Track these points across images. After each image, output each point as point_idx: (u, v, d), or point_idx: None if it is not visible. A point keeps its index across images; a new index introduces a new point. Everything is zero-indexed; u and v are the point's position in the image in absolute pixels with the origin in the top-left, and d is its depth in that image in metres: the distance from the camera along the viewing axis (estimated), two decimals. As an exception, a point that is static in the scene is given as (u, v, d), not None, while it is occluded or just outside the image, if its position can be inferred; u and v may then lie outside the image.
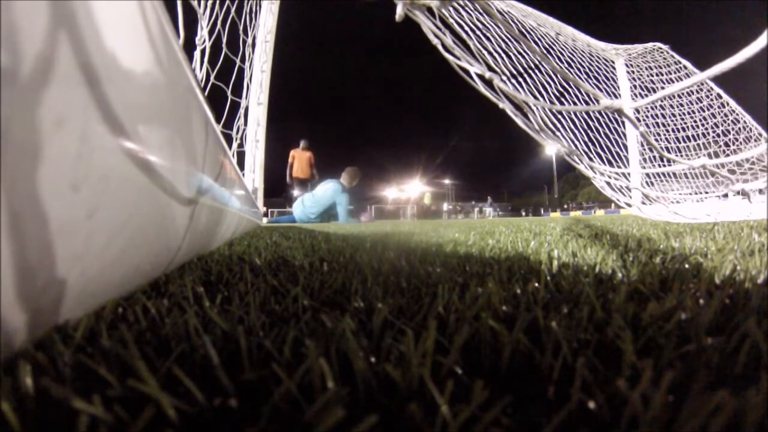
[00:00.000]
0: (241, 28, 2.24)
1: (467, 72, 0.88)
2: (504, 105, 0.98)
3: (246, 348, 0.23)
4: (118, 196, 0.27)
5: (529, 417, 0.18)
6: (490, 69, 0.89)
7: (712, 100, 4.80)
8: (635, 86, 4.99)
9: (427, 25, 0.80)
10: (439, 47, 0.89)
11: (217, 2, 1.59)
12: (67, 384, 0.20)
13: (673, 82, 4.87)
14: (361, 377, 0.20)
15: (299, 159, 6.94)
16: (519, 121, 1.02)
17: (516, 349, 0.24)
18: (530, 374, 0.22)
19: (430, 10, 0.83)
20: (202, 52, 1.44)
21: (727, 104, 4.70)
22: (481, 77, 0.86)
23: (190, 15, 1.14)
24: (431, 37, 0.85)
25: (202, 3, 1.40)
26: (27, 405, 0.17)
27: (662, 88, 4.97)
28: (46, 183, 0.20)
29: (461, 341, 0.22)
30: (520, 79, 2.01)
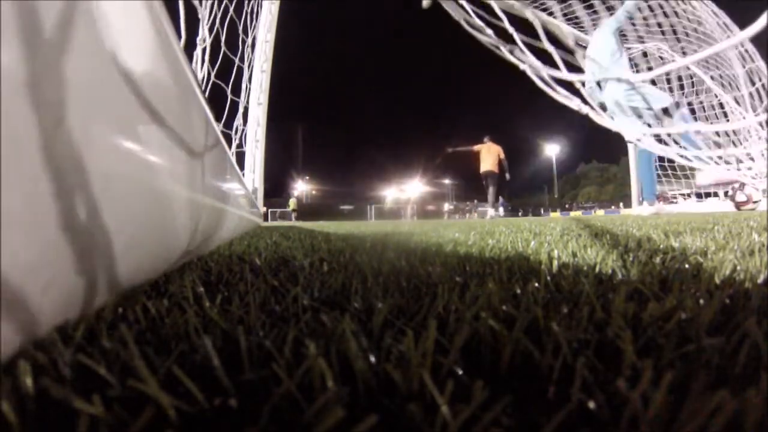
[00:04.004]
0: (240, 28, 2.24)
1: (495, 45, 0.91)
2: (524, 67, 1.01)
3: (246, 348, 0.23)
4: (118, 196, 0.27)
5: (529, 417, 0.18)
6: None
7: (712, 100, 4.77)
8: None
9: (453, 8, 0.82)
10: (462, 23, 0.91)
11: (216, 2, 1.58)
12: (67, 384, 0.20)
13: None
14: (361, 377, 0.20)
15: (488, 152, 6.88)
16: (539, 81, 1.05)
17: (516, 349, 0.24)
18: (530, 374, 0.22)
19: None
20: (203, 51, 1.44)
21: (727, 104, 4.66)
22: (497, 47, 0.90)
23: (188, 15, 1.14)
24: (454, 15, 0.87)
25: (203, 3, 1.40)
26: (27, 405, 0.17)
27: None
28: (46, 183, 0.20)
29: (461, 341, 0.22)
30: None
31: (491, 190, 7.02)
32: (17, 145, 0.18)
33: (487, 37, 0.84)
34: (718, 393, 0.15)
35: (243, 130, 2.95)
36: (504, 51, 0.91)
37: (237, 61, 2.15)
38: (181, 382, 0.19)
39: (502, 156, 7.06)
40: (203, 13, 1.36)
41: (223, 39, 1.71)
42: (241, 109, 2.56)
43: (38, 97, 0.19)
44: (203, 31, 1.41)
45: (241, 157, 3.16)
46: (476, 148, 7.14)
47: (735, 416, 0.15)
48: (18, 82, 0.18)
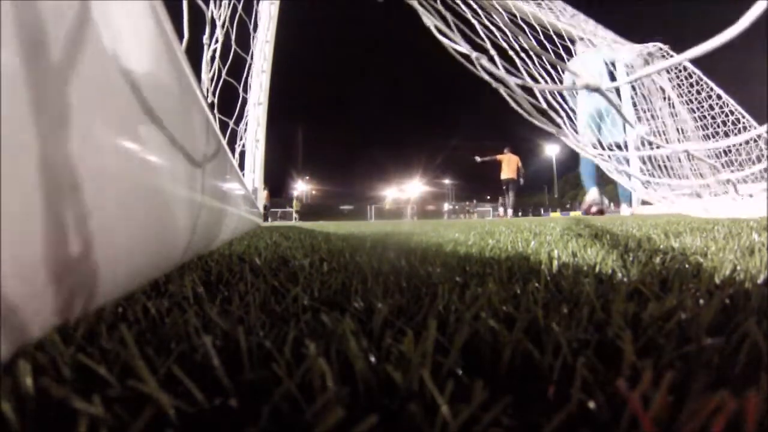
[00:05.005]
0: (233, 29, 2.24)
1: (464, 55, 0.89)
2: (497, 85, 1.00)
3: (246, 348, 0.23)
4: (118, 196, 0.27)
5: (529, 417, 0.18)
6: (484, 48, 0.89)
7: (713, 101, 4.86)
8: (635, 86, 5.06)
9: (414, 5, 0.80)
10: (432, 30, 0.89)
11: (216, 2, 1.59)
12: (67, 384, 0.20)
13: (672, 80, 4.95)
14: (361, 377, 0.20)
15: (508, 162, 8.09)
16: (512, 102, 1.03)
17: (516, 349, 0.24)
18: (530, 374, 0.22)
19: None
20: (213, 52, 1.44)
21: (727, 104, 4.76)
22: (468, 57, 0.87)
23: (190, 15, 1.14)
24: (424, 19, 0.85)
25: (213, 4, 1.40)
26: (27, 405, 0.17)
27: (661, 87, 5.03)
28: (46, 183, 0.20)
29: (461, 341, 0.22)
30: (523, 60, 2.00)
31: (511, 195, 8.29)
32: (17, 145, 0.18)
33: (459, 46, 0.82)
34: (718, 393, 0.15)
35: (243, 130, 2.95)
36: (477, 65, 0.89)
37: (248, 59, 2.14)
38: (181, 382, 0.19)
39: (520, 165, 8.24)
40: (209, 14, 1.36)
41: (221, 39, 1.71)
42: (242, 108, 2.56)
43: (39, 96, 0.19)
44: (215, 33, 1.41)
45: (241, 157, 3.16)
46: (499, 157, 8.31)
47: (735, 416, 0.15)
48: (18, 82, 0.18)
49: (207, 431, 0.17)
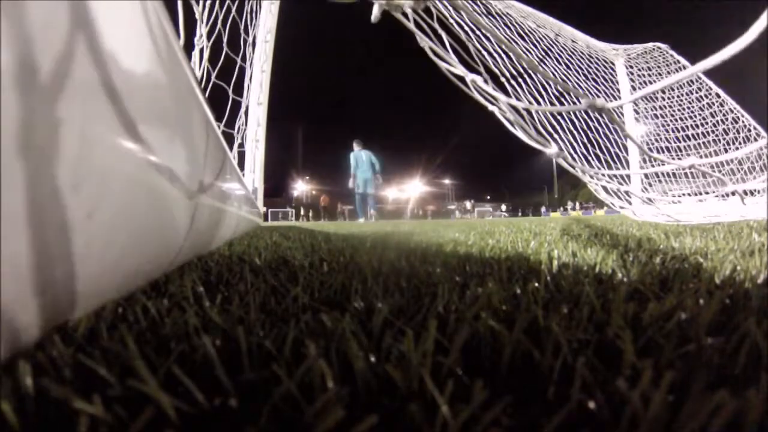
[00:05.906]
0: (241, 27, 2.24)
1: (458, 77, 0.88)
2: (493, 108, 0.99)
3: (246, 348, 0.23)
4: (118, 196, 0.27)
5: (529, 417, 0.18)
6: (478, 71, 0.89)
7: (712, 99, 4.85)
8: (635, 87, 5.06)
9: (410, 27, 0.79)
10: (427, 51, 0.88)
11: (218, 2, 1.58)
12: (67, 384, 0.20)
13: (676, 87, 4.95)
14: (361, 377, 0.20)
15: None
16: (508, 124, 1.02)
17: (516, 349, 0.23)
18: (530, 374, 0.22)
19: (427, 11, 0.83)
20: (201, 51, 1.44)
21: (726, 103, 4.75)
22: (463, 79, 0.86)
23: (190, 15, 1.14)
24: (419, 40, 0.84)
25: (202, 2, 1.39)
26: (27, 405, 0.17)
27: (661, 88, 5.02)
28: (46, 183, 0.20)
29: (461, 341, 0.22)
30: (519, 81, 2.01)
31: None
32: (17, 145, 0.18)
33: (455, 68, 0.81)
34: (718, 393, 0.15)
35: (243, 130, 2.96)
36: (471, 87, 0.88)
37: (238, 60, 2.15)
38: (181, 382, 0.19)
39: None
40: (199, 12, 1.36)
41: (225, 39, 1.71)
42: (243, 109, 2.56)
43: (39, 97, 0.19)
44: (201, 31, 1.41)
45: (241, 157, 3.16)
46: None
47: (735, 416, 0.15)
48: (18, 82, 0.18)
49: (207, 431, 0.17)
